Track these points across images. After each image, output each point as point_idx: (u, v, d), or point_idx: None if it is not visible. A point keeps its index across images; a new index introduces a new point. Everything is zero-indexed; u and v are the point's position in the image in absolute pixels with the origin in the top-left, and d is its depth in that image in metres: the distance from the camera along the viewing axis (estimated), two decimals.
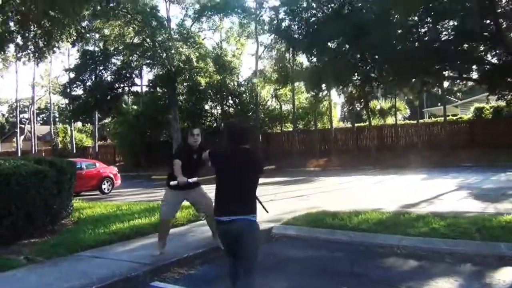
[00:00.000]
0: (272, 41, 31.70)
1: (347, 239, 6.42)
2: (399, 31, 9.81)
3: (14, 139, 48.88)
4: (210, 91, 32.55)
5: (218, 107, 35.41)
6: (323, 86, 15.29)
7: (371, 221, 6.89)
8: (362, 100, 19.86)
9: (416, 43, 10.11)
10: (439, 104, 44.48)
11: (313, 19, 12.03)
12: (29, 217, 6.45)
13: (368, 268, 5.29)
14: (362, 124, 30.35)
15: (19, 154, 42.46)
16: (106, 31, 27.84)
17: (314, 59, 12.45)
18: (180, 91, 31.80)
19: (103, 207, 10.08)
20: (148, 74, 33.44)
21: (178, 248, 6.04)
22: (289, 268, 5.56)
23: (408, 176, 17.68)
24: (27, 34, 18.03)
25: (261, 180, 3.94)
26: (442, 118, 26.57)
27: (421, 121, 28.88)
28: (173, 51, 25.24)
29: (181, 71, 27.64)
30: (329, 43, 11.28)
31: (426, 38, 10.16)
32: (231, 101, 34.52)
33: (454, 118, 28.40)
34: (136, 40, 27.78)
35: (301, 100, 32.88)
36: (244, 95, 33.19)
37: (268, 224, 7.72)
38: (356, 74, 11.77)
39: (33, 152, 42.68)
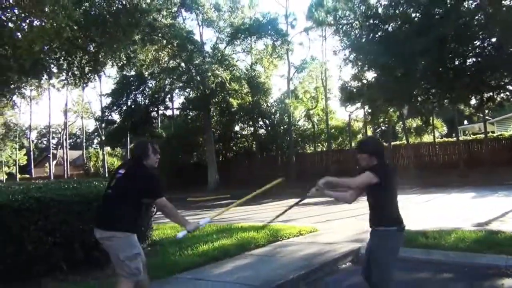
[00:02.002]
0: (303, 61, 32.11)
1: (447, 259, 6.18)
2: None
3: (46, 164, 49.75)
4: (241, 112, 32.81)
5: (248, 129, 35.58)
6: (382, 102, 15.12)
7: (467, 241, 6.65)
8: (423, 116, 19.60)
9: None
10: (466, 122, 43.98)
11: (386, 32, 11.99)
12: None
13: None
14: (397, 142, 30.00)
15: (52, 179, 43.20)
16: (141, 56, 28.39)
17: (381, 76, 12.36)
18: (211, 113, 32.10)
19: (169, 229, 10.01)
20: (180, 98, 33.98)
21: (278, 270, 5.90)
22: None
23: (455, 194, 17.24)
24: (72, 61, 18.53)
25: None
26: (482, 135, 26.07)
27: (460, 138, 28.41)
28: (209, 74, 25.57)
29: (215, 93, 27.97)
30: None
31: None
32: (261, 122, 34.69)
33: (495, 135, 27.85)
34: (171, 64, 28.25)
35: (333, 119, 32.86)
36: (274, 116, 33.27)
37: (352, 244, 7.54)
38: (423, 89, 11.64)
39: (66, 176, 43.32)
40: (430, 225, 8.88)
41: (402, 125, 28.51)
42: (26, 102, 42.72)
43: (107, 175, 41.26)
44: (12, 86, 24.06)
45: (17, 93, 28.43)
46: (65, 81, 19.77)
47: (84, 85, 19.37)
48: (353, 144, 30.48)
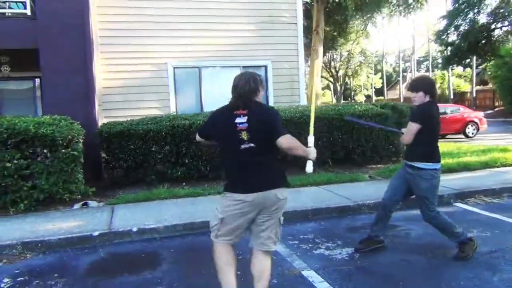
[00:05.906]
0: None
1: None
2: None
3: (397, 87, 53.98)
4: None
5: None
6: None
7: None
8: None
9: None
10: None
11: None
12: (375, 148, 8.55)
13: None
14: None
15: (402, 101, 46.91)
16: None
17: None
18: None
19: (444, 147, 11.20)
20: None
21: (487, 182, 6.81)
22: None
23: None
24: None
25: None
26: None
27: None
28: None
29: None
30: None
31: None
32: None
33: None
34: None
35: None
36: None
37: None
38: None
39: None
40: None
41: None
42: (377, 30, 46.93)
43: (452, 97, 41.73)
44: (367, 16, 27.85)
45: (369, 23, 32.45)
46: (391, 12, 22.00)
47: (408, 14, 21.11)
48: None
